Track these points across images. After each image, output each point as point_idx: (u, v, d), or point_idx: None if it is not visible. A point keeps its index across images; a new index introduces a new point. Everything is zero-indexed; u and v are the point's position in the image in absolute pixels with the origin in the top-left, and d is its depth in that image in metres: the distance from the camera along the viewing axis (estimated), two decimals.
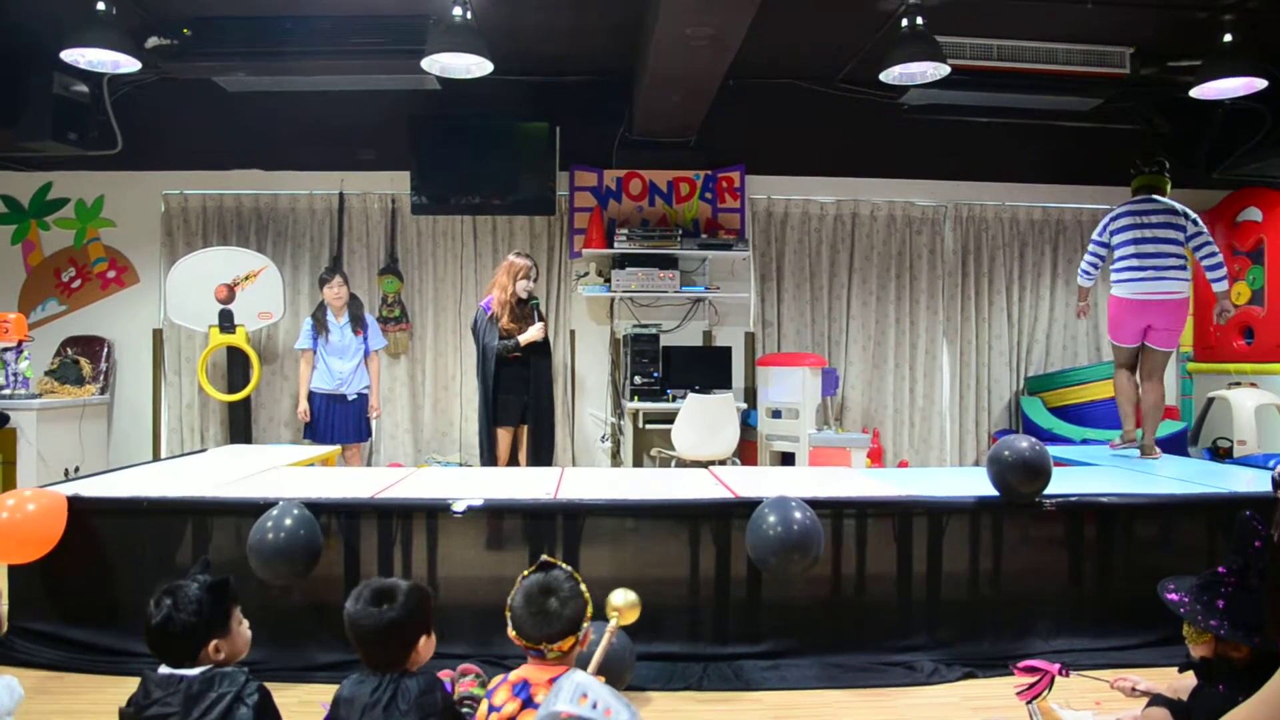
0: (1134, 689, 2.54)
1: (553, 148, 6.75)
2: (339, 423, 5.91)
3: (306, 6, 5.42)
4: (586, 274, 6.85)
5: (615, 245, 6.58)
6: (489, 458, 5.38)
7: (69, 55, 4.95)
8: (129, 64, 5.10)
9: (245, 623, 2.12)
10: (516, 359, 5.34)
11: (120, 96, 6.40)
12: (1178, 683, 2.38)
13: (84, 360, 6.53)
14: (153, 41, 5.52)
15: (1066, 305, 7.24)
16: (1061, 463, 4.27)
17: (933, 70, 5.31)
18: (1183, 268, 4.66)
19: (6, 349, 5.81)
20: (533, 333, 5.33)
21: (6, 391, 5.73)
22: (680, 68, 5.30)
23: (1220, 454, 6.32)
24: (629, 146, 6.89)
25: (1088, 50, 5.97)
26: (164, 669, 1.97)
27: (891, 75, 5.38)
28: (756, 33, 4.91)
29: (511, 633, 2.05)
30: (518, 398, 5.36)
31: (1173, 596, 2.18)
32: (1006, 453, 3.27)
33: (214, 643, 1.99)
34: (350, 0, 5.34)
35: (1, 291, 6.81)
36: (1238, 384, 6.55)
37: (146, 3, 5.31)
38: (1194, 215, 4.71)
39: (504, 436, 5.37)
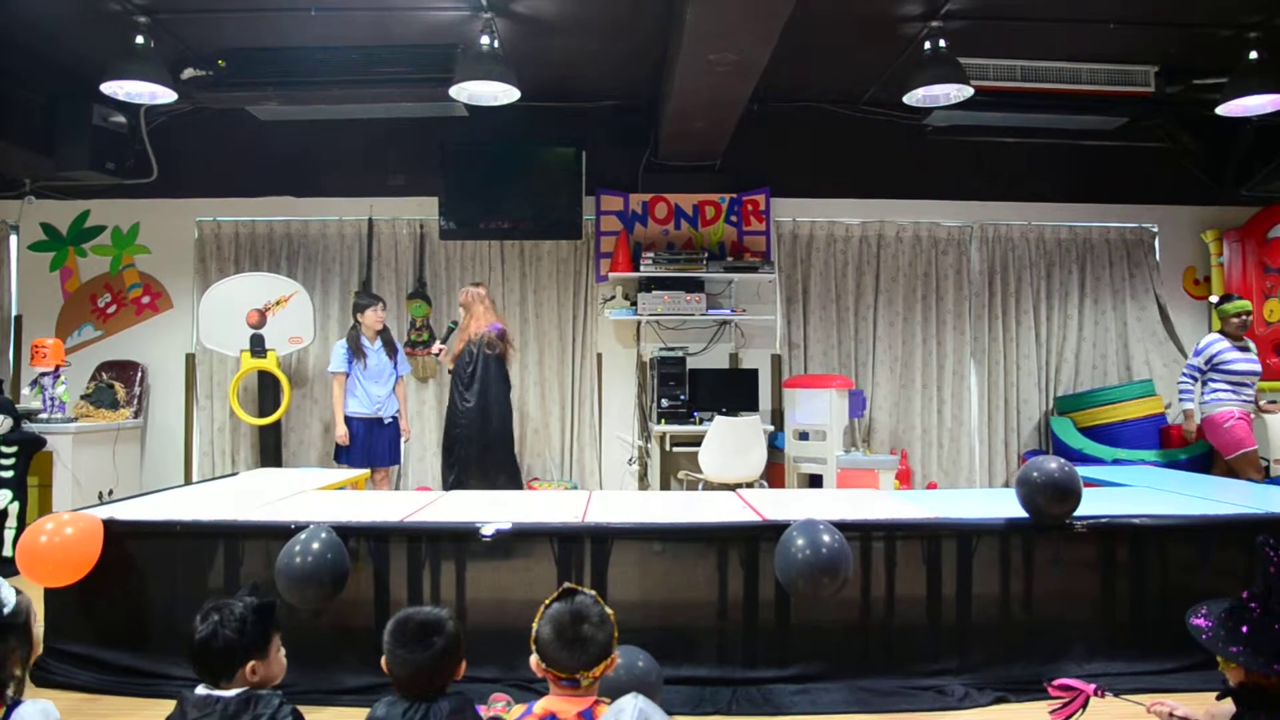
0: (1171, 715, 2.49)
1: (579, 172, 6.81)
2: (376, 446, 5.98)
3: (337, 37, 5.52)
4: (613, 297, 6.88)
5: (641, 269, 6.61)
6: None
7: (108, 87, 5.10)
8: (165, 95, 5.24)
9: (283, 650, 2.14)
10: None
11: (156, 126, 6.57)
12: (1216, 708, 2.34)
13: (119, 385, 6.63)
14: (188, 73, 5.66)
15: (1095, 324, 7.18)
16: (1092, 483, 4.23)
17: (956, 92, 5.33)
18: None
19: (44, 374, 5.93)
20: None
21: (44, 415, 5.83)
22: (704, 93, 5.34)
23: None
24: (654, 171, 6.94)
25: (1112, 69, 5.95)
26: (200, 689, 1.99)
27: (915, 97, 5.41)
28: (780, 57, 4.95)
29: (537, 664, 2.01)
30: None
31: (1199, 622, 2.15)
32: (1036, 474, 3.25)
33: (252, 663, 2.02)
34: (379, 30, 5.43)
35: (40, 317, 6.95)
36: (1274, 402, 6.45)
37: (183, 35, 5.43)
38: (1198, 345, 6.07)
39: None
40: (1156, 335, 7.15)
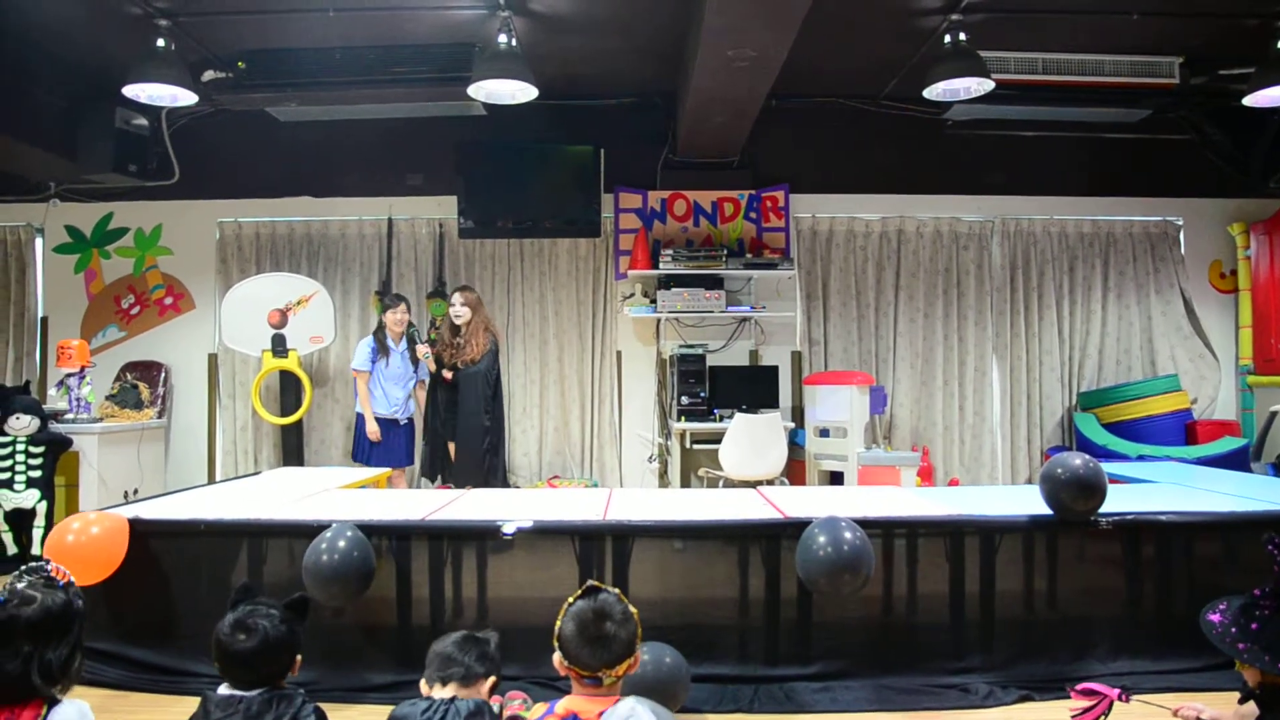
0: (1198, 717, 2.46)
1: (597, 170, 6.80)
2: (394, 447, 6.00)
3: (355, 38, 5.54)
4: (632, 295, 6.88)
5: (660, 266, 6.61)
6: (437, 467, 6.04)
7: (130, 90, 5.15)
8: (187, 97, 5.29)
9: None
10: (447, 381, 5.91)
11: (177, 128, 6.61)
12: (1243, 710, 2.31)
13: (143, 385, 6.69)
14: (209, 75, 5.71)
15: (1119, 319, 7.11)
16: (1117, 480, 4.19)
17: (977, 85, 5.29)
18: None
19: (70, 375, 5.98)
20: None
21: (70, 416, 5.89)
22: (723, 89, 5.32)
23: None
24: (673, 168, 6.92)
25: (1136, 61, 5.88)
26: (223, 689, 2.01)
27: (935, 91, 5.37)
28: (799, 52, 4.92)
29: (560, 661, 2.01)
30: (451, 415, 5.93)
31: (1214, 618, 2.13)
32: (1059, 470, 3.22)
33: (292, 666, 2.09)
34: (397, 30, 5.45)
35: (65, 319, 7.03)
36: None
37: (203, 38, 5.47)
38: None
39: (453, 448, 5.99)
40: (1182, 330, 7.06)
